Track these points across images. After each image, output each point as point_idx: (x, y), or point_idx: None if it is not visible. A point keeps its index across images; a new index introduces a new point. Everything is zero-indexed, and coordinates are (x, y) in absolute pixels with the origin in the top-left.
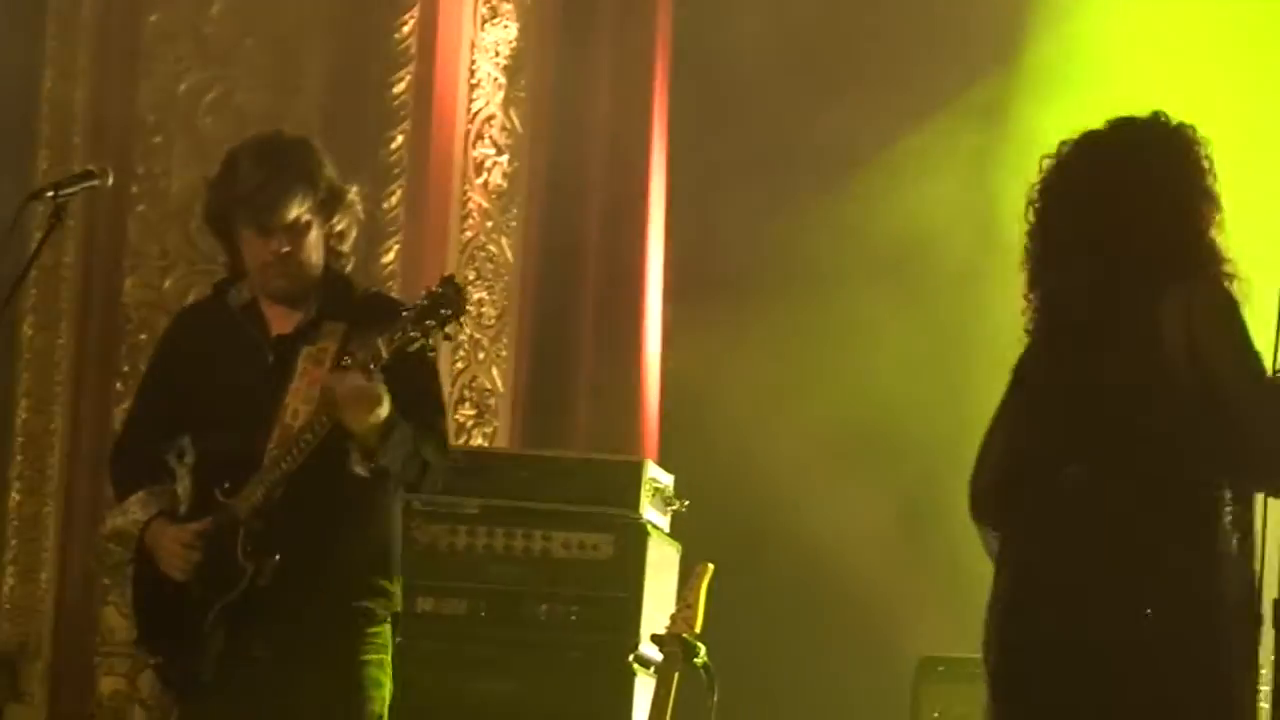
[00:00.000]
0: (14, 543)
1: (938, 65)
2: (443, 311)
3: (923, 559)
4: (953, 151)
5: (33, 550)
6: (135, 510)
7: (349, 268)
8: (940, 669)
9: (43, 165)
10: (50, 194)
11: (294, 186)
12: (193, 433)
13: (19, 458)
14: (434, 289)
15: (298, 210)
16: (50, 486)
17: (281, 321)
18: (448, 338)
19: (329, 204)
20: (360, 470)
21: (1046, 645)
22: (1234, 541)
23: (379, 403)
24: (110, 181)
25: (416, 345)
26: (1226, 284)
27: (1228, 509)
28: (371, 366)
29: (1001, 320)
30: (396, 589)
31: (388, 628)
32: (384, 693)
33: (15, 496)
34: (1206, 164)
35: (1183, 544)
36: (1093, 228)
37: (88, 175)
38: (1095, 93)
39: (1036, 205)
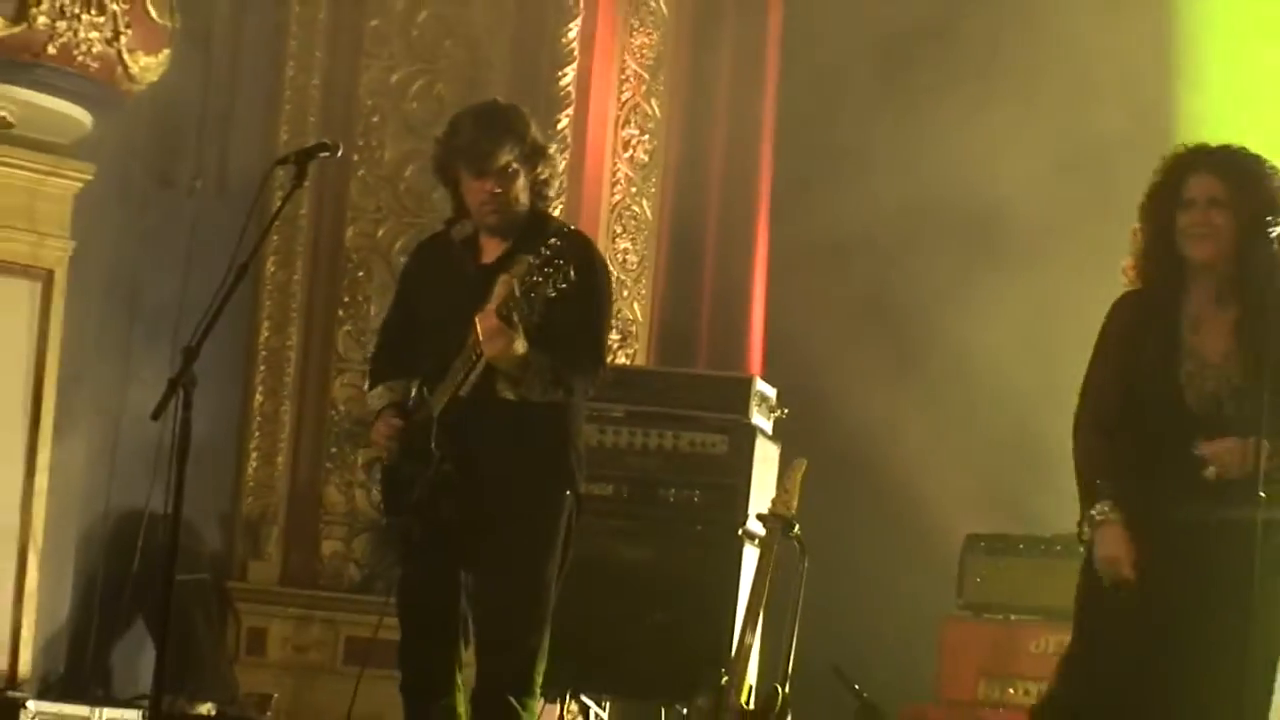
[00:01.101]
0: (257, 434)
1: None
2: (558, 261)
3: (969, 462)
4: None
5: (271, 440)
6: (375, 400)
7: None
8: (981, 545)
9: (283, 138)
10: (292, 161)
11: (504, 138)
12: (422, 341)
13: (261, 368)
14: (553, 242)
15: (507, 157)
16: (285, 390)
17: (492, 251)
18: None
19: (533, 156)
20: (507, 394)
21: None
22: None
23: (510, 340)
24: (339, 153)
25: (546, 287)
26: None
27: None
28: (511, 307)
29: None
30: (564, 480)
31: (557, 492)
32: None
33: (259, 398)
34: None
35: None
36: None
37: (322, 147)
38: None
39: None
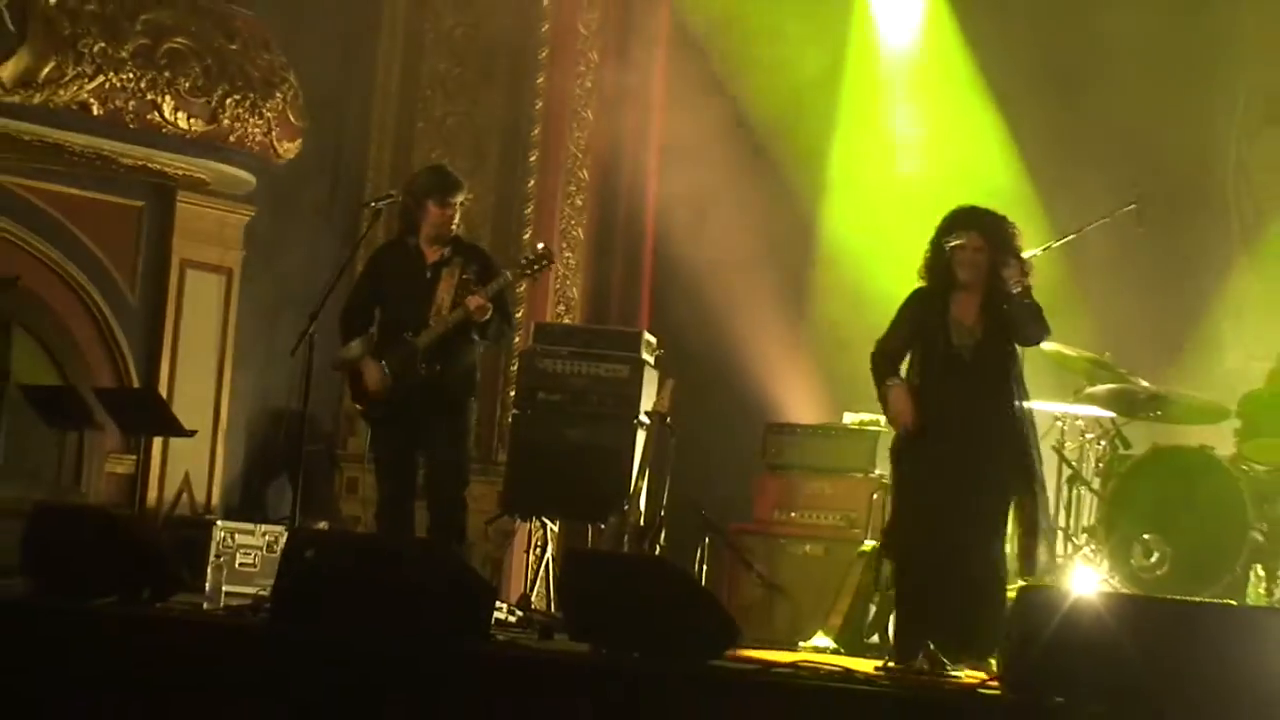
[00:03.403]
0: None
1: None
2: (537, 266)
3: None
4: None
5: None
6: (355, 349)
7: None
8: (775, 429)
9: (369, 189)
10: (372, 204)
11: (459, 188)
12: (382, 309)
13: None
14: (535, 255)
15: (461, 197)
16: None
17: (432, 256)
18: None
19: (463, 203)
20: (476, 338)
21: None
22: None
23: (488, 311)
24: (401, 199)
25: (513, 280)
26: None
27: None
28: (490, 294)
29: None
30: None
31: (474, 401)
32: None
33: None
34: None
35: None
36: None
37: (390, 195)
38: None
39: None
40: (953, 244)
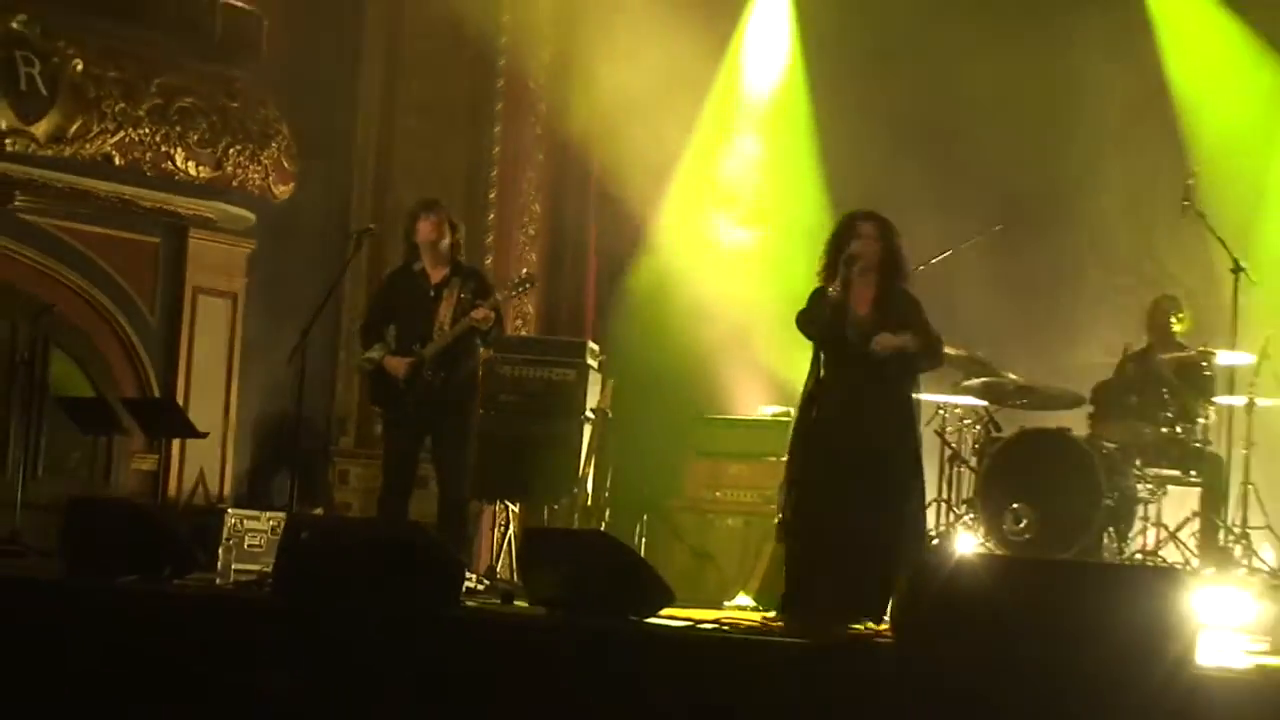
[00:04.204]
0: (341, 374)
1: None
2: (522, 288)
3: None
4: None
5: (347, 376)
6: (376, 351)
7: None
8: (704, 420)
9: (352, 225)
10: (354, 235)
11: (438, 207)
12: (396, 322)
13: (343, 340)
14: (520, 279)
15: (439, 215)
16: (354, 353)
17: (436, 276)
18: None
19: (453, 229)
20: (480, 344)
21: None
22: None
23: (492, 320)
24: (378, 230)
25: (501, 300)
26: None
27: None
28: (492, 308)
29: None
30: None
31: (476, 404)
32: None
33: (341, 355)
34: None
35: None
36: None
37: (369, 230)
38: None
39: None
40: (853, 237)
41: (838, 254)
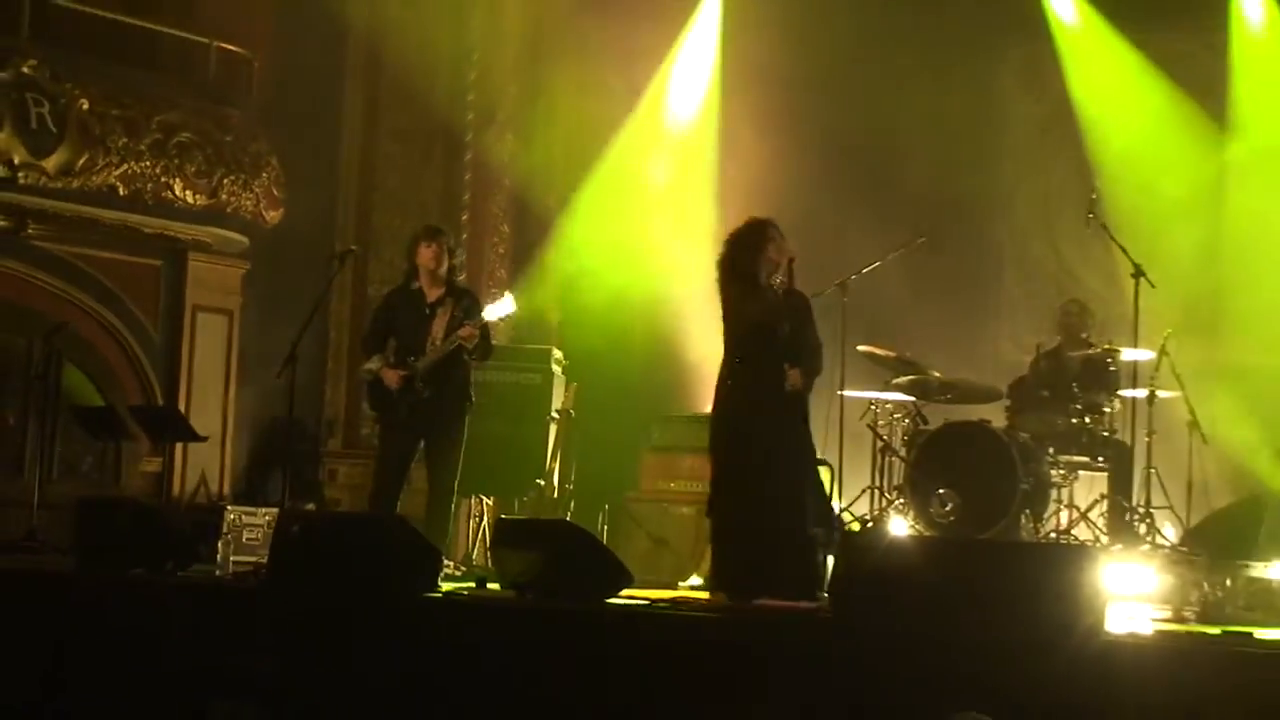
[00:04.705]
0: (329, 380)
1: None
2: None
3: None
4: None
5: (335, 383)
6: (374, 362)
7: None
8: (658, 417)
9: (337, 246)
10: (338, 256)
11: (440, 234)
12: (396, 336)
13: (330, 352)
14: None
15: (441, 241)
16: (342, 364)
17: (433, 295)
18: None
19: (451, 253)
20: (468, 358)
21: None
22: None
23: (476, 337)
24: (360, 251)
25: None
26: None
27: None
28: (478, 326)
29: None
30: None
31: (467, 413)
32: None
33: (330, 364)
34: None
35: None
36: None
37: (351, 251)
38: None
39: None
40: (767, 241)
41: (757, 255)
